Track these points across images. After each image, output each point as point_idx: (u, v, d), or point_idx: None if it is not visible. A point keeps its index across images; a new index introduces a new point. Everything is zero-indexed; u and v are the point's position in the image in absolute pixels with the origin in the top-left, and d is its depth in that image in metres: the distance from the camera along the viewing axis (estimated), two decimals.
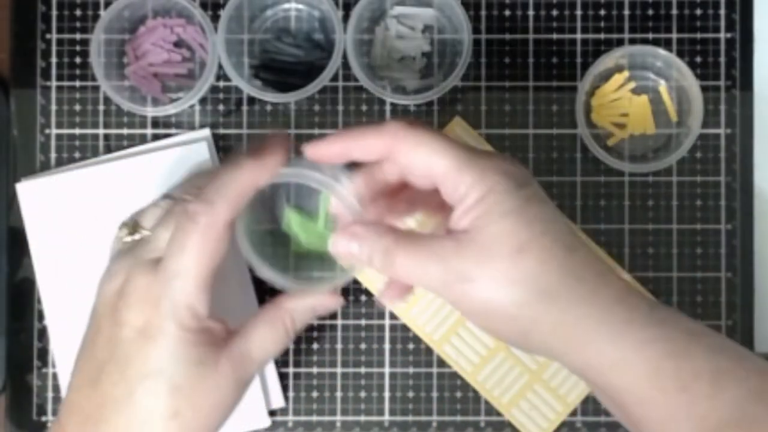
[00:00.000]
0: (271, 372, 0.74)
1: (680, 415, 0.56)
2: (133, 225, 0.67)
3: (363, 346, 0.75)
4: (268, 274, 0.62)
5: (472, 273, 0.57)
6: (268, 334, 0.63)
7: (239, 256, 0.63)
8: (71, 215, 0.74)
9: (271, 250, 0.66)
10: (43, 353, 0.75)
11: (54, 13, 0.76)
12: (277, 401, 0.74)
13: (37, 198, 0.74)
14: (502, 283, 0.56)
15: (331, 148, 0.61)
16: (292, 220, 0.72)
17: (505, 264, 0.56)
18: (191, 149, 0.74)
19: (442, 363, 0.74)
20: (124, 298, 0.62)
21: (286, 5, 0.76)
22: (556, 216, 0.58)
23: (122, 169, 0.74)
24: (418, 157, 0.59)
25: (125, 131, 0.76)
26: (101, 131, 0.76)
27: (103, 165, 0.74)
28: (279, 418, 0.75)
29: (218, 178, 0.61)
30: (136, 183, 0.74)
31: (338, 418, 0.75)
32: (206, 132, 0.75)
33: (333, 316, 0.75)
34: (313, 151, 0.61)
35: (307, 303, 0.64)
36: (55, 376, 0.75)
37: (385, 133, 0.59)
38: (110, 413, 0.61)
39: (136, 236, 0.66)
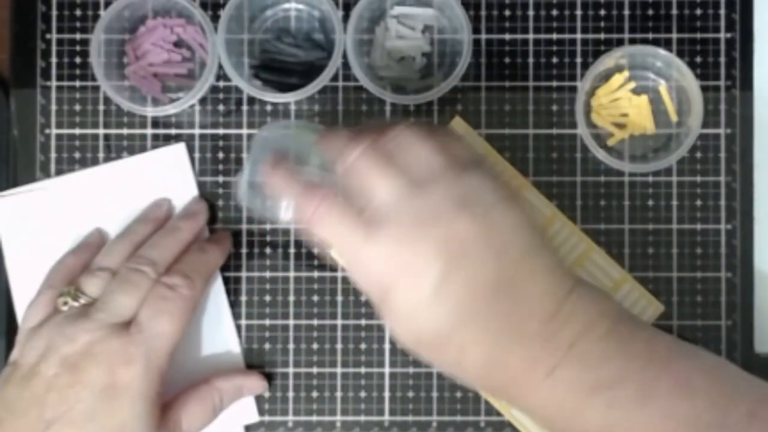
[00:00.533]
0: None
1: None
2: (74, 292, 0.69)
3: (363, 346, 0.75)
4: (269, 214, 0.69)
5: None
6: (198, 409, 0.70)
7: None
8: (46, 229, 0.74)
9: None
10: None
11: (54, 13, 0.76)
12: (251, 416, 0.75)
13: (11, 215, 0.74)
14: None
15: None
16: None
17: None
18: (169, 152, 0.75)
19: None
20: (89, 357, 0.65)
21: (286, 5, 0.76)
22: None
23: (97, 176, 0.75)
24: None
25: (125, 131, 0.76)
26: (101, 131, 0.76)
27: (77, 174, 0.75)
28: (279, 418, 0.75)
29: (190, 259, 0.70)
30: (113, 191, 0.75)
31: (338, 418, 0.75)
32: (181, 147, 0.75)
33: (333, 316, 0.75)
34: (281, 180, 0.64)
35: (236, 383, 0.72)
36: None
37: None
38: None
39: (81, 301, 0.69)
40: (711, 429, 0.55)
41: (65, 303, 0.68)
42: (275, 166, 0.63)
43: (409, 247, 0.56)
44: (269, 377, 0.74)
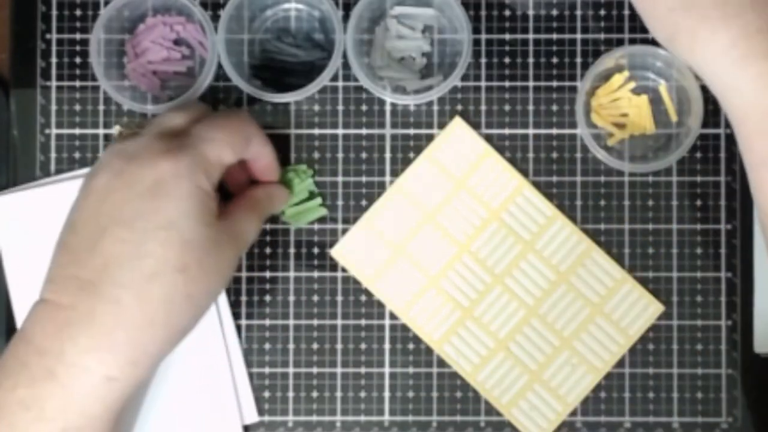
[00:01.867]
0: (244, 386, 0.75)
1: None
2: (134, 124, 0.69)
3: (363, 346, 0.75)
4: None
5: None
6: (247, 217, 0.68)
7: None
8: (44, 230, 0.74)
9: None
10: None
11: (54, 13, 0.76)
12: (251, 416, 0.75)
13: (10, 213, 0.74)
14: None
15: None
16: None
17: None
18: None
19: (442, 363, 0.75)
20: (136, 159, 0.63)
21: (286, 5, 0.76)
22: None
23: None
24: None
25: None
26: (101, 131, 0.76)
27: (75, 180, 0.74)
28: (279, 418, 0.75)
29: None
30: None
31: (338, 418, 0.75)
32: None
33: (333, 316, 0.75)
34: None
35: (266, 190, 0.71)
36: None
37: None
38: (115, 271, 0.61)
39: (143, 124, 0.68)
40: None
41: (126, 129, 0.68)
42: None
43: None
44: (269, 377, 0.75)
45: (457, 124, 0.75)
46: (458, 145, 0.75)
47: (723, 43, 0.63)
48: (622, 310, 0.74)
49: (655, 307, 0.74)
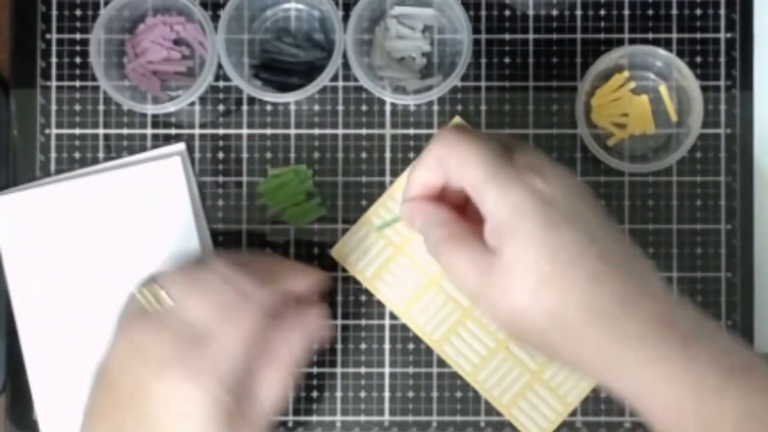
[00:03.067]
0: None
1: None
2: (155, 290, 0.65)
3: (363, 346, 0.75)
4: None
5: (497, 296, 0.56)
6: (273, 382, 0.65)
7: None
8: (44, 230, 0.74)
9: None
10: None
11: (54, 13, 0.76)
12: None
13: (10, 213, 0.74)
14: (523, 311, 0.56)
15: (417, 206, 0.61)
16: None
17: (527, 296, 0.56)
18: (164, 164, 0.75)
19: (442, 363, 0.74)
20: (160, 374, 0.62)
21: (286, 5, 0.76)
22: (585, 237, 0.56)
23: (95, 184, 0.74)
24: (452, 169, 0.58)
25: (125, 131, 0.76)
26: (101, 131, 0.76)
27: (75, 180, 0.75)
28: (279, 418, 0.75)
29: (277, 269, 0.67)
30: (109, 198, 0.74)
31: (338, 418, 0.75)
32: (181, 146, 0.75)
33: (333, 316, 0.75)
34: (407, 213, 0.62)
35: (299, 334, 0.66)
36: None
37: (433, 161, 0.60)
38: None
39: (161, 301, 0.65)
40: None
41: (147, 300, 0.65)
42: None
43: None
44: None
45: (458, 124, 0.75)
46: None
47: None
48: None
49: None
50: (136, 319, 0.64)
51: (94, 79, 0.74)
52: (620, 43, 0.75)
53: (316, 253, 0.75)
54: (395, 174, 0.75)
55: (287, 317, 0.66)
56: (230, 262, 0.66)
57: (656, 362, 0.54)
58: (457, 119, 0.75)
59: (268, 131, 0.75)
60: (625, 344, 0.55)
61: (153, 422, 0.61)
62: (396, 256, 0.75)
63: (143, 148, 0.76)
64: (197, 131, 0.76)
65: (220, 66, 0.73)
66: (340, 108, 0.76)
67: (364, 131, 0.75)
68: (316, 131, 0.75)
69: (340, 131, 0.75)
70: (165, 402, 0.61)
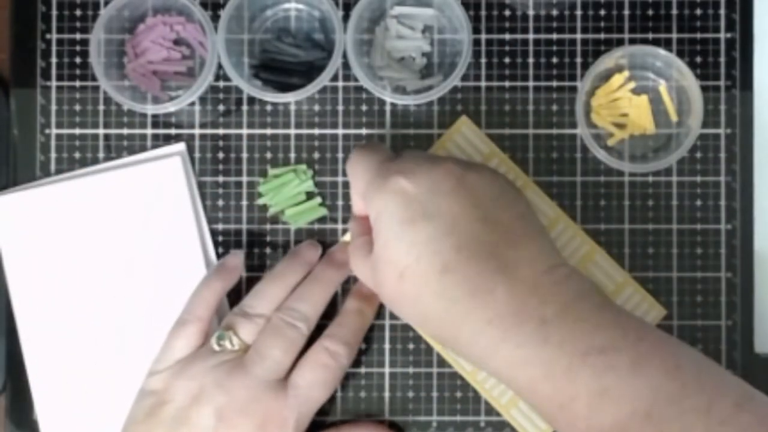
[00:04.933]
0: None
1: (564, 429, 0.58)
2: (231, 336, 0.68)
3: (363, 346, 0.75)
4: None
5: (378, 291, 0.63)
6: (313, 377, 0.69)
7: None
8: (44, 230, 0.74)
9: None
10: None
11: (54, 13, 0.76)
12: None
13: (10, 213, 0.74)
14: (392, 302, 0.63)
15: (353, 223, 0.69)
16: None
17: (392, 289, 0.61)
18: (164, 164, 0.75)
19: (442, 363, 0.74)
20: (243, 413, 0.65)
21: (286, 5, 0.76)
22: (441, 231, 0.60)
23: (95, 184, 0.74)
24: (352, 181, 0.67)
25: (125, 131, 0.76)
26: (101, 131, 0.76)
27: (75, 180, 0.74)
28: None
29: (351, 324, 0.71)
30: (109, 198, 0.74)
31: (339, 418, 0.75)
32: (181, 146, 0.75)
33: (333, 316, 0.74)
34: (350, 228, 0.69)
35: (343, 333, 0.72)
36: None
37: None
38: None
39: (236, 347, 0.68)
40: (696, 413, 0.55)
41: (221, 345, 0.68)
42: None
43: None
44: None
45: (464, 123, 0.75)
46: (464, 145, 0.75)
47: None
48: None
49: (657, 311, 0.74)
50: (209, 357, 0.68)
51: (94, 79, 0.74)
52: (620, 43, 0.75)
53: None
54: None
55: None
56: (308, 317, 0.70)
57: (507, 346, 0.58)
58: (463, 118, 0.75)
59: (268, 131, 0.75)
60: (479, 330, 0.59)
61: None
62: None
63: (143, 148, 0.75)
64: (197, 131, 0.76)
65: (220, 66, 0.73)
66: (340, 108, 0.76)
67: (364, 131, 0.75)
68: (316, 131, 0.75)
69: (340, 131, 0.75)
70: None
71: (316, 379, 0.68)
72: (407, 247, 0.60)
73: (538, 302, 0.58)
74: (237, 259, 0.72)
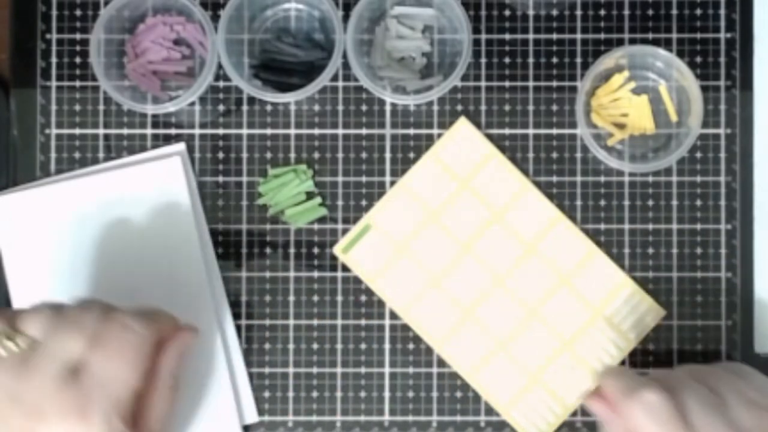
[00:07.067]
0: (244, 387, 0.74)
1: None
2: (10, 332, 0.61)
3: (363, 346, 0.75)
4: None
5: None
6: (162, 404, 0.64)
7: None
8: (44, 230, 0.74)
9: None
10: None
11: (54, 13, 0.76)
12: (251, 416, 0.75)
13: (10, 213, 0.74)
14: None
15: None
16: None
17: None
18: (164, 164, 0.75)
19: (442, 363, 0.74)
20: (41, 419, 0.58)
21: (286, 5, 0.76)
22: None
23: (95, 184, 0.74)
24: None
25: (125, 131, 0.76)
26: (101, 131, 0.76)
27: (75, 180, 0.75)
28: (279, 418, 0.75)
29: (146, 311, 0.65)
30: (109, 198, 0.74)
31: (338, 418, 0.75)
32: (181, 146, 0.75)
33: (333, 316, 0.75)
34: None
35: (173, 353, 0.65)
36: None
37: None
38: None
39: (21, 344, 0.61)
40: None
41: (10, 344, 0.61)
42: None
43: None
44: (269, 377, 0.75)
45: (463, 124, 0.75)
46: (463, 146, 0.75)
47: None
48: (623, 314, 0.74)
49: (657, 312, 0.74)
50: None
51: (94, 79, 0.74)
52: (620, 43, 0.75)
53: (316, 253, 0.75)
54: (395, 174, 0.75)
55: (164, 343, 0.65)
56: (101, 303, 0.64)
57: None
58: (462, 119, 0.75)
59: (268, 131, 0.75)
60: None
61: None
62: (399, 254, 0.75)
63: (143, 148, 0.76)
64: (197, 131, 0.76)
65: (220, 66, 0.73)
66: (340, 108, 0.76)
67: (364, 131, 0.75)
68: (316, 131, 0.75)
69: (340, 131, 0.75)
70: None
71: (109, 351, 0.61)
72: None
73: None
74: None
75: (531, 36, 0.75)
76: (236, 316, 0.75)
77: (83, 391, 0.59)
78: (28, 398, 0.59)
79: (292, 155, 0.75)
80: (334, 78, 0.75)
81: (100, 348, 0.61)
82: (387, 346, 0.75)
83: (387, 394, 0.75)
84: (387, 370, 0.75)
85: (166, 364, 0.65)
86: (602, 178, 0.75)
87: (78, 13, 0.76)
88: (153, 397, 0.64)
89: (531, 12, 0.75)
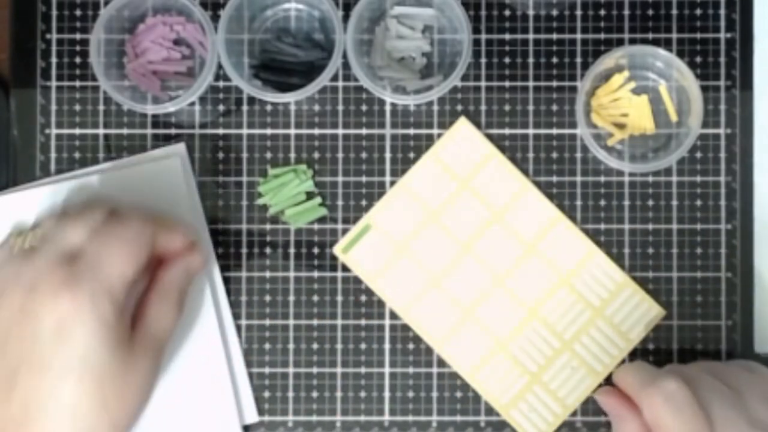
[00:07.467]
0: (244, 386, 0.74)
1: None
2: (27, 231, 0.66)
3: (363, 346, 0.75)
4: None
5: None
6: (162, 313, 0.67)
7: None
8: None
9: None
10: None
11: (54, 13, 0.76)
12: (251, 416, 0.75)
13: (10, 213, 0.74)
14: None
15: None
16: None
17: None
18: (164, 165, 0.75)
19: (442, 363, 0.74)
20: (36, 292, 0.62)
21: (286, 5, 0.76)
22: None
23: (95, 184, 0.74)
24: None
25: (125, 131, 0.76)
26: (101, 131, 0.76)
27: (75, 180, 0.74)
28: (279, 418, 0.75)
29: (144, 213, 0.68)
30: (109, 198, 0.74)
31: (338, 418, 0.75)
32: (181, 146, 0.75)
33: (333, 316, 0.75)
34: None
35: (179, 268, 0.68)
36: None
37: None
38: (35, 413, 0.61)
39: (30, 241, 0.65)
40: None
41: (22, 242, 0.65)
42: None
43: None
44: (269, 377, 0.74)
45: (463, 124, 0.75)
46: (463, 146, 0.75)
47: None
48: (623, 314, 0.74)
49: (657, 312, 0.74)
50: (5, 260, 0.65)
51: (94, 79, 0.74)
52: (620, 43, 0.75)
53: (316, 253, 0.75)
54: (395, 174, 0.75)
55: (169, 257, 0.68)
56: (108, 202, 0.68)
57: None
58: (462, 119, 0.75)
59: (268, 131, 0.75)
60: None
61: (36, 343, 0.61)
62: (399, 254, 0.75)
63: (143, 148, 0.76)
64: (197, 131, 0.76)
65: (220, 66, 0.73)
66: (340, 108, 0.76)
67: (364, 131, 0.75)
68: (316, 131, 0.75)
69: (340, 131, 0.75)
70: (48, 317, 0.61)
71: (103, 242, 0.64)
72: None
73: None
74: None
75: (531, 36, 0.75)
76: (236, 316, 0.75)
77: (75, 271, 0.62)
78: (27, 276, 0.63)
79: (292, 155, 0.75)
80: (334, 78, 0.75)
81: (98, 239, 0.64)
82: (387, 346, 0.75)
83: (387, 394, 0.75)
84: (387, 370, 0.75)
85: (169, 275, 0.68)
86: (602, 178, 0.75)
87: (78, 13, 0.76)
88: (154, 304, 0.67)
89: (531, 12, 0.75)
